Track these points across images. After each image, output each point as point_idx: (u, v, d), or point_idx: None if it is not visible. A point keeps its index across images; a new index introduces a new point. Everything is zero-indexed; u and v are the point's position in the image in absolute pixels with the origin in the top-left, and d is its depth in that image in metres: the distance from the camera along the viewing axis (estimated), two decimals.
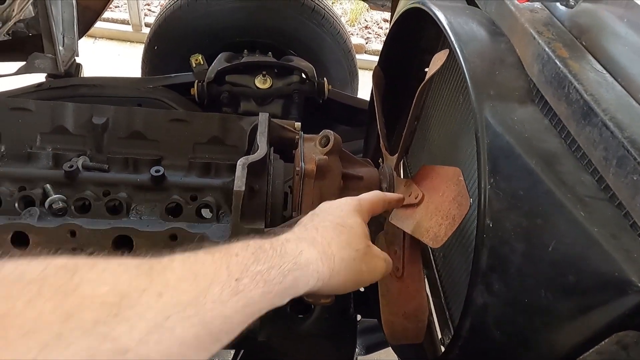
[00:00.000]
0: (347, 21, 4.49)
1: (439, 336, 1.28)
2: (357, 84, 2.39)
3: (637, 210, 0.52)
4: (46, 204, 0.99)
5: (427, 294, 1.31)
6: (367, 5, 2.43)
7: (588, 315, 0.55)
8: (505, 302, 0.66)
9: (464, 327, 0.74)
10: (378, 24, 4.47)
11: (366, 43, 4.13)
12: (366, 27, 4.46)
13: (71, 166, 1.03)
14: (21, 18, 1.88)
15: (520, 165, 0.64)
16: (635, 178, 0.52)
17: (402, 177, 1.14)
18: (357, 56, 2.81)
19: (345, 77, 2.27)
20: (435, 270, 1.37)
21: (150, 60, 2.18)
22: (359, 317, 1.48)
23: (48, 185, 1.02)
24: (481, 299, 0.69)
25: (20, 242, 0.89)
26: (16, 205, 0.98)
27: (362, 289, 1.53)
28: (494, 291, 0.67)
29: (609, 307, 0.53)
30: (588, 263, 0.54)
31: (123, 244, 0.93)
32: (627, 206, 0.54)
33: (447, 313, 1.26)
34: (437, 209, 0.87)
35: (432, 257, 1.38)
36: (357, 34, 4.39)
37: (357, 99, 2.03)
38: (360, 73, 2.42)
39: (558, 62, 0.68)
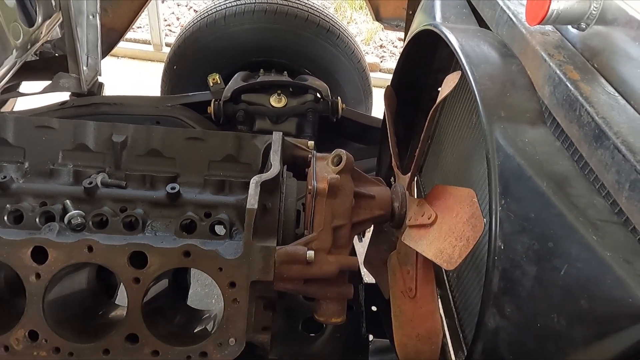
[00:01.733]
0: (362, 40, 4.55)
1: (453, 358, 1.26)
2: (372, 102, 2.41)
3: None
4: (65, 220, 1.02)
5: (440, 315, 1.30)
6: (382, 25, 2.47)
7: (602, 342, 0.54)
8: (517, 325, 0.65)
9: (476, 351, 0.73)
10: (393, 43, 4.52)
11: (381, 61, 4.17)
12: (381, 46, 4.51)
13: (90, 182, 1.06)
14: (49, 39, 1.97)
15: (531, 188, 0.63)
16: None
17: (415, 196, 1.15)
18: (372, 74, 2.84)
19: (359, 95, 2.29)
20: (448, 291, 1.35)
21: (170, 79, 2.24)
22: (371, 337, 1.46)
23: (68, 201, 1.05)
24: (493, 322, 0.68)
25: (40, 256, 0.92)
26: (37, 220, 1.01)
27: (374, 309, 1.52)
28: (506, 315, 0.66)
29: (624, 335, 0.52)
30: (601, 288, 0.53)
31: (138, 260, 0.94)
32: None
33: (460, 335, 1.24)
34: (451, 230, 0.87)
35: (445, 278, 1.37)
36: (372, 53, 4.44)
37: (371, 118, 2.05)
38: (375, 91, 2.45)
39: (569, 85, 0.68)
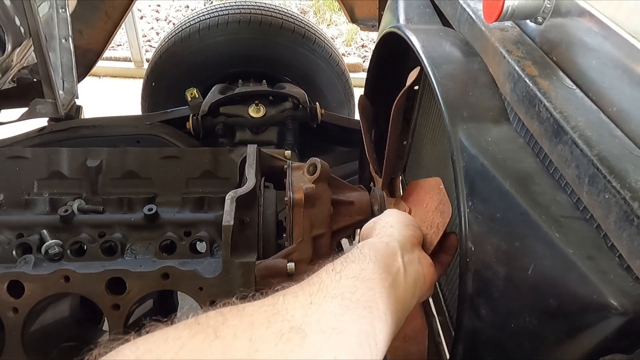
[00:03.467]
0: (343, 41, 4.56)
1: (448, 356, 1.25)
2: (354, 103, 2.41)
3: (611, 229, 0.51)
4: (42, 250, 1.01)
5: (432, 312, 1.29)
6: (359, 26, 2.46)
7: (574, 339, 0.54)
8: (493, 326, 0.64)
9: (457, 353, 0.72)
10: (374, 42, 4.52)
11: (363, 61, 4.18)
12: (363, 46, 4.52)
13: (66, 210, 1.06)
14: (24, 65, 1.95)
15: (495, 187, 0.63)
16: (606, 196, 0.51)
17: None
18: (355, 75, 2.83)
19: (340, 98, 2.29)
20: (438, 289, 1.34)
21: (149, 96, 2.23)
22: None
23: (44, 231, 1.04)
24: (470, 324, 0.68)
25: (16, 290, 0.91)
26: (14, 252, 1.00)
27: None
28: (482, 316, 0.65)
29: (593, 331, 0.51)
30: (567, 286, 0.53)
31: (117, 286, 0.93)
32: (603, 226, 0.53)
33: (453, 333, 1.24)
34: (422, 220, 0.87)
35: None
36: (354, 53, 4.45)
37: (352, 120, 2.05)
38: (358, 92, 2.44)
39: (528, 81, 0.68)
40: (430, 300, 1.32)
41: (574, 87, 0.67)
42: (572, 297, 0.52)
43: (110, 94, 3.79)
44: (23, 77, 2.14)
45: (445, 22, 1.03)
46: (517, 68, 0.71)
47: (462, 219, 0.67)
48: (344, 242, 1.47)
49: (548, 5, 0.71)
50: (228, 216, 0.94)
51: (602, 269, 0.51)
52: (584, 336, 0.52)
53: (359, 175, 1.66)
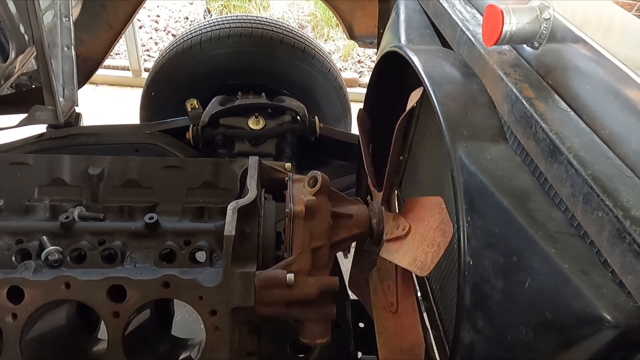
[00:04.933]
0: (340, 57, 4.63)
1: None
2: (351, 118, 2.45)
3: (604, 246, 0.54)
4: (42, 256, 1.01)
5: (426, 326, 1.31)
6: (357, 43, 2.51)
7: (568, 352, 0.56)
8: (490, 339, 0.66)
9: None
10: (370, 58, 4.60)
11: (359, 77, 4.24)
12: (359, 62, 4.59)
13: (67, 217, 1.06)
14: (24, 72, 1.96)
15: (494, 204, 0.66)
16: (600, 214, 0.54)
17: (397, 211, 1.16)
18: (351, 90, 2.87)
19: (338, 112, 2.33)
20: (433, 303, 1.36)
21: (148, 106, 2.25)
22: (360, 354, 1.46)
23: (44, 237, 1.04)
24: (468, 337, 0.69)
25: (16, 295, 0.91)
26: (13, 258, 1.00)
27: (361, 325, 1.52)
28: (479, 329, 0.67)
29: (587, 343, 0.54)
30: (562, 299, 0.55)
31: (117, 294, 0.94)
32: (596, 242, 0.56)
33: (447, 347, 1.25)
34: (423, 238, 0.89)
35: (429, 290, 1.38)
36: (351, 69, 4.51)
37: (349, 134, 2.08)
38: (355, 106, 2.48)
39: (525, 103, 0.71)
40: (425, 314, 1.34)
41: (569, 109, 0.70)
42: (567, 310, 0.55)
43: (108, 102, 3.79)
44: (22, 83, 2.15)
45: (444, 44, 1.07)
46: (514, 90, 0.74)
47: (461, 233, 0.69)
48: (339, 255, 1.49)
49: (544, 31, 0.75)
50: (230, 226, 0.95)
51: (596, 283, 0.53)
52: (578, 348, 0.55)
53: (355, 189, 1.69)
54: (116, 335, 0.93)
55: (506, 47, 0.86)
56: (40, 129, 1.92)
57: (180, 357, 1.12)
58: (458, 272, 0.70)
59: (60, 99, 1.86)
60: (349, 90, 2.46)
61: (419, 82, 1.40)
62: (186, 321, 2.09)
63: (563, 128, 0.65)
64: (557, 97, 0.73)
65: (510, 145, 0.75)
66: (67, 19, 1.87)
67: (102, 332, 1.14)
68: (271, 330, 1.34)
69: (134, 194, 1.18)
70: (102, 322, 1.12)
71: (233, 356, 0.98)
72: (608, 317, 0.50)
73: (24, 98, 1.97)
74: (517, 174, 0.69)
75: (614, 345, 0.51)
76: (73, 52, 1.92)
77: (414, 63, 0.90)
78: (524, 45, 0.82)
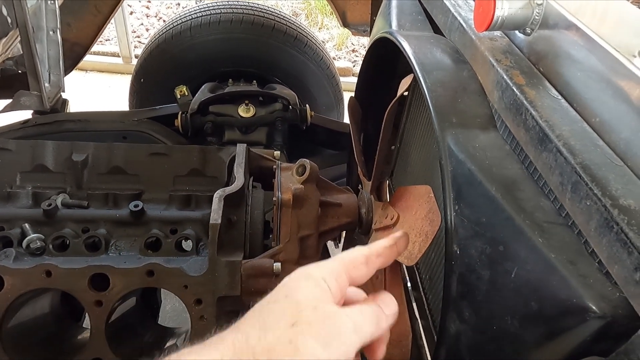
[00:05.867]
0: (334, 45, 4.58)
1: (429, 359, 1.27)
2: (343, 107, 2.42)
3: (592, 235, 0.53)
4: (24, 244, 0.99)
5: (415, 316, 1.30)
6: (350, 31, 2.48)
7: (553, 342, 0.55)
8: (475, 329, 0.66)
9: (440, 356, 0.73)
10: (364, 47, 4.56)
11: (353, 66, 4.21)
12: (353, 51, 4.55)
13: (50, 204, 1.04)
14: (9, 56, 1.91)
15: (482, 193, 0.64)
16: (588, 203, 0.53)
17: (389, 200, 1.15)
18: (345, 79, 2.84)
19: (330, 101, 2.30)
20: (422, 293, 1.36)
21: (138, 93, 2.21)
22: None
23: (26, 225, 1.02)
24: (454, 327, 0.69)
25: None
26: None
27: None
28: (465, 319, 0.67)
29: (572, 334, 0.53)
30: (548, 289, 0.54)
31: (100, 282, 0.92)
32: (584, 232, 0.55)
33: (435, 337, 1.25)
34: (411, 227, 0.88)
35: (419, 280, 1.38)
36: (345, 57, 4.47)
37: (341, 124, 2.06)
38: (348, 95, 2.46)
39: (515, 90, 0.70)
40: (414, 303, 1.34)
41: (559, 97, 0.69)
42: (552, 300, 0.54)
43: (97, 89, 3.73)
44: (7, 69, 2.10)
45: (436, 30, 1.05)
46: (505, 77, 0.72)
47: (449, 222, 0.68)
48: (330, 244, 1.48)
49: (537, 17, 0.73)
50: (216, 214, 0.94)
51: (583, 273, 0.52)
52: (563, 338, 0.54)
53: (346, 178, 1.67)
54: (99, 324, 0.91)
55: (498, 33, 0.85)
56: (26, 115, 1.87)
57: (166, 346, 1.11)
58: (445, 261, 0.69)
59: (46, 84, 1.82)
60: (342, 79, 2.43)
61: (410, 70, 1.38)
62: (176, 310, 2.08)
63: (553, 115, 0.64)
64: (547, 84, 0.71)
65: (501, 134, 0.73)
66: (52, 1, 1.82)
67: (88, 321, 1.13)
68: None
69: (119, 181, 1.16)
70: None
71: None
72: (594, 307, 0.50)
73: (8, 83, 1.93)
74: (506, 162, 0.68)
75: (599, 335, 0.51)
76: (59, 36, 1.88)
77: (404, 49, 0.88)
78: (516, 32, 0.81)
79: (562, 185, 0.58)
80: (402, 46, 0.90)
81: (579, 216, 0.55)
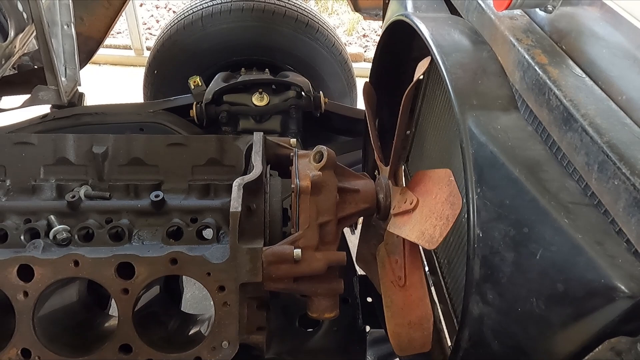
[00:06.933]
0: (344, 31, 4.53)
1: (449, 343, 1.27)
2: (356, 93, 2.41)
3: (620, 215, 0.52)
4: (50, 235, 1.01)
5: (434, 300, 1.31)
6: (362, 15, 2.45)
7: (580, 323, 0.55)
8: (499, 312, 0.66)
9: (463, 338, 0.74)
10: (375, 32, 4.50)
11: (365, 51, 4.16)
12: (364, 36, 4.50)
13: (73, 196, 1.06)
14: (25, 52, 1.94)
15: (504, 175, 0.64)
16: (616, 183, 0.52)
17: (405, 186, 1.15)
18: (357, 64, 2.81)
19: (343, 88, 2.29)
20: (441, 277, 1.36)
21: (151, 84, 2.23)
22: (368, 328, 1.47)
23: (52, 216, 1.04)
24: (477, 309, 0.69)
25: (26, 274, 0.92)
26: (22, 237, 1.01)
27: (369, 300, 1.53)
28: (489, 301, 0.67)
29: (599, 314, 0.53)
30: (575, 270, 0.54)
31: (126, 271, 0.94)
32: (611, 211, 0.54)
33: (455, 320, 1.26)
34: (431, 211, 0.88)
35: (437, 264, 1.38)
36: (356, 43, 4.42)
37: (355, 110, 2.05)
38: (360, 82, 2.44)
39: (538, 69, 0.68)
40: (433, 288, 1.34)
41: (584, 75, 0.67)
42: (579, 281, 0.53)
43: (111, 82, 3.77)
44: (24, 64, 2.13)
45: (453, 11, 1.03)
46: (526, 56, 0.71)
47: (471, 205, 0.68)
48: (346, 231, 1.48)
49: None
50: (236, 202, 0.94)
51: (610, 253, 0.52)
52: (590, 320, 0.54)
53: (362, 164, 1.67)
54: (126, 312, 0.94)
55: (518, 12, 0.83)
56: (44, 109, 1.91)
57: (190, 332, 1.14)
58: (467, 244, 0.69)
59: (63, 79, 1.85)
60: (354, 65, 2.41)
61: (425, 53, 1.36)
62: (196, 298, 2.12)
63: (578, 94, 0.63)
64: (571, 62, 0.70)
65: (522, 114, 0.72)
66: None
67: (113, 309, 1.16)
68: (280, 305, 1.35)
69: (139, 172, 1.18)
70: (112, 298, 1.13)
71: (242, 331, 0.99)
72: (622, 287, 0.49)
73: (26, 79, 1.96)
74: (528, 143, 0.67)
75: (627, 315, 0.50)
76: (73, 30, 1.90)
77: (421, 31, 0.87)
78: (537, 10, 0.79)
79: (588, 165, 0.57)
80: (419, 29, 0.89)
81: (606, 196, 0.54)
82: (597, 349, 0.54)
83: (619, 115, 0.60)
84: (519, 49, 0.73)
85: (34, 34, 1.71)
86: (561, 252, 0.55)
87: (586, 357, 0.55)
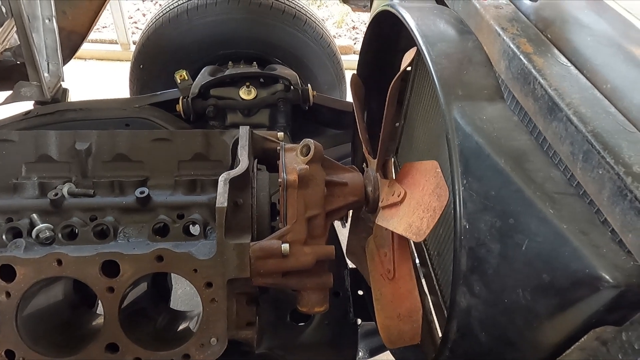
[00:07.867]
0: (334, 23, 4.50)
1: (440, 334, 1.28)
2: (345, 86, 2.39)
3: (604, 205, 0.52)
4: (33, 234, 0.99)
5: (424, 292, 1.31)
6: (350, 7, 2.43)
7: (566, 313, 0.55)
8: (487, 303, 0.65)
9: (451, 330, 0.73)
10: (365, 24, 4.47)
11: (354, 44, 4.14)
12: (353, 28, 4.47)
13: (56, 194, 1.04)
14: (7, 47, 1.90)
15: (490, 165, 0.63)
16: (600, 172, 0.52)
17: (394, 178, 1.14)
18: (346, 57, 2.79)
19: (332, 80, 2.27)
20: (431, 269, 1.36)
21: (138, 79, 2.19)
22: (359, 320, 1.47)
23: (34, 215, 1.02)
24: (464, 301, 0.69)
25: (8, 274, 0.90)
26: (3, 237, 0.99)
27: (360, 293, 1.53)
28: (475, 293, 0.66)
29: (585, 304, 0.52)
30: (560, 261, 0.54)
31: (111, 269, 0.93)
32: (596, 201, 0.54)
33: (445, 312, 1.26)
34: (418, 203, 0.87)
35: (427, 256, 1.38)
36: (345, 35, 4.40)
37: (344, 102, 2.03)
38: (349, 74, 2.42)
39: (523, 58, 0.68)
40: (423, 280, 1.34)
41: (569, 64, 0.67)
42: (565, 271, 0.53)
43: (97, 77, 3.71)
44: (5, 60, 2.08)
45: (439, 0, 1.02)
46: (512, 45, 0.70)
47: (457, 197, 0.67)
48: (337, 224, 1.48)
49: None
50: (222, 198, 0.93)
51: (595, 243, 0.52)
52: (576, 309, 0.54)
53: (351, 157, 1.66)
54: (112, 310, 0.92)
55: (503, 0, 0.82)
56: (28, 106, 1.87)
57: (179, 329, 1.13)
58: (454, 236, 0.68)
59: (45, 74, 1.81)
60: (343, 57, 2.39)
61: (413, 44, 1.35)
62: (187, 294, 2.11)
63: (562, 83, 0.62)
64: (556, 51, 0.69)
65: (508, 105, 0.72)
66: None
67: (101, 307, 1.15)
68: (271, 300, 1.34)
69: (124, 169, 1.16)
70: None
71: (231, 327, 0.98)
72: (607, 277, 0.49)
73: (7, 75, 1.91)
74: (514, 134, 0.66)
75: (612, 305, 0.50)
76: (55, 25, 1.85)
77: (406, 21, 0.86)
78: None
79: (573, 154, 0.57)
80: (404, 18, 0.87)
81: (590, 185, 0.54)
82: (582, 339, 0.54)
83: (604, 104, 0.59)
84: (504, 38, 0.72)
85: (15, 29, 1.67)
86: (546, 242, 0.55)
87: (572, 347, 0.55)
